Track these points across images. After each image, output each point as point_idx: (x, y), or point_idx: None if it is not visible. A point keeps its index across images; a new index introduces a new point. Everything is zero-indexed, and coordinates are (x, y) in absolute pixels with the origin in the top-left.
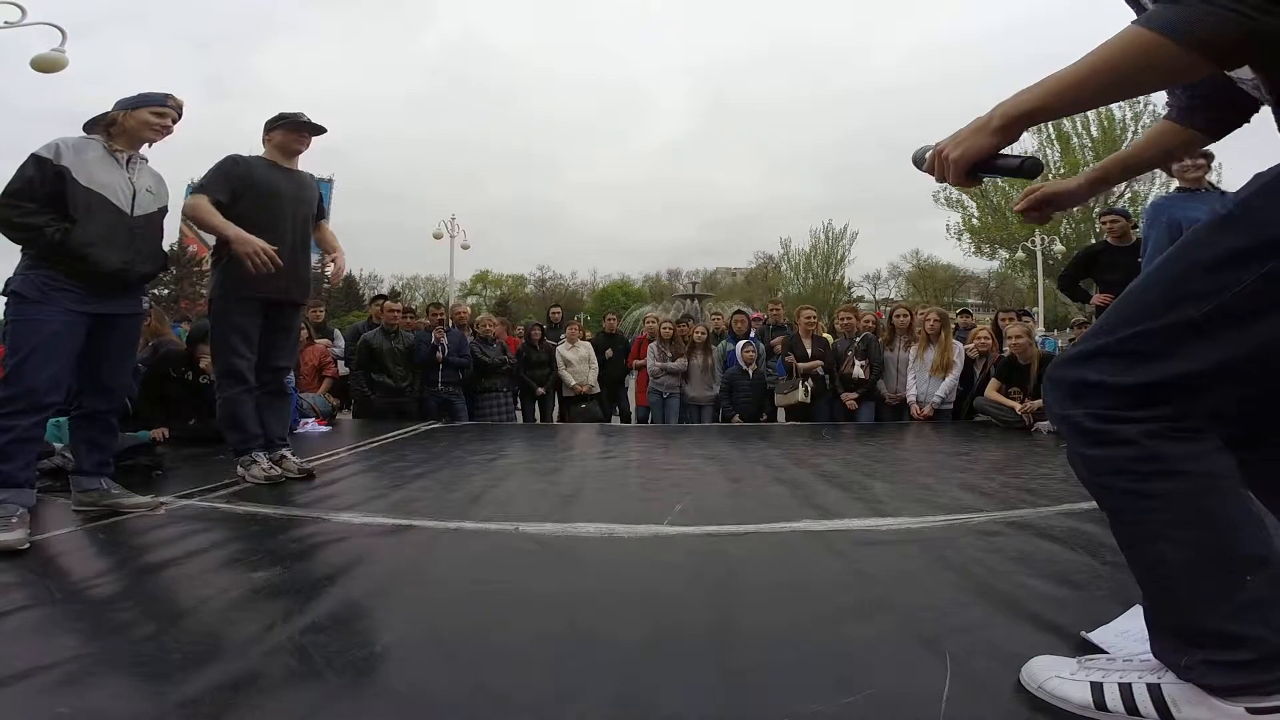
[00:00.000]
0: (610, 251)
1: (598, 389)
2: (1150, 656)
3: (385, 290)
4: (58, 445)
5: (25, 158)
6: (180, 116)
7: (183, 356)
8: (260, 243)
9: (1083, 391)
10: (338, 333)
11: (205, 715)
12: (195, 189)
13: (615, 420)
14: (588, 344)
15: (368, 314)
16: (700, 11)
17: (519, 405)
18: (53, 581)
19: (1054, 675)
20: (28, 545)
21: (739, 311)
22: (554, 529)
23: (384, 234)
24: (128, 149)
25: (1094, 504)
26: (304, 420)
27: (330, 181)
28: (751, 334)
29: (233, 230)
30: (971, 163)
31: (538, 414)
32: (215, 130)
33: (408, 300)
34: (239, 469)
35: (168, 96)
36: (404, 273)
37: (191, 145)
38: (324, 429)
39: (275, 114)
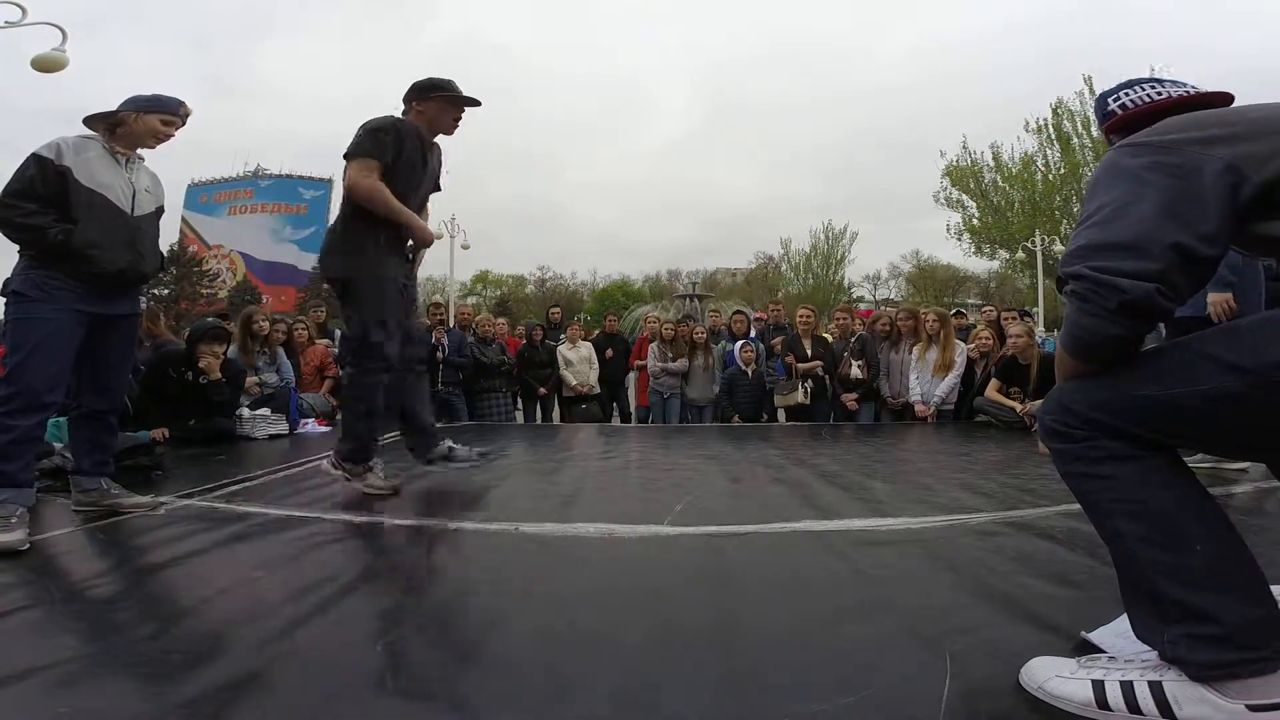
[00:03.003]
0: (610, 251)
1: (598, 389)
2: (1151, 655)
3: None
4: (58, 445)
5: (25, 157)
6: (185, 125)
7: (182, 356)
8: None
9: (1059, 406)
10: (338, 333)
11: (205, 715)
12: (359, 154)
13: (615, 420)
14: (588, 344)
15: None
16: (701, 11)
17: (519, 405)
18: (53, 581)
19: (1054, 675)
20: (27, 546)
21: (738, 312)
22: (554, 529)
23: None
24: (127, 150)
25: None
26: (304, 420)
27: (330, 181)
28: (751, 334)
29: (418, 223)
30: None
31: (538, 414)
32: (215, 130)
33: None
34: (342, 467)
35: (180, 104)
36: None
37: (191, 145)
38: (324, 429)
39: (427, 80)
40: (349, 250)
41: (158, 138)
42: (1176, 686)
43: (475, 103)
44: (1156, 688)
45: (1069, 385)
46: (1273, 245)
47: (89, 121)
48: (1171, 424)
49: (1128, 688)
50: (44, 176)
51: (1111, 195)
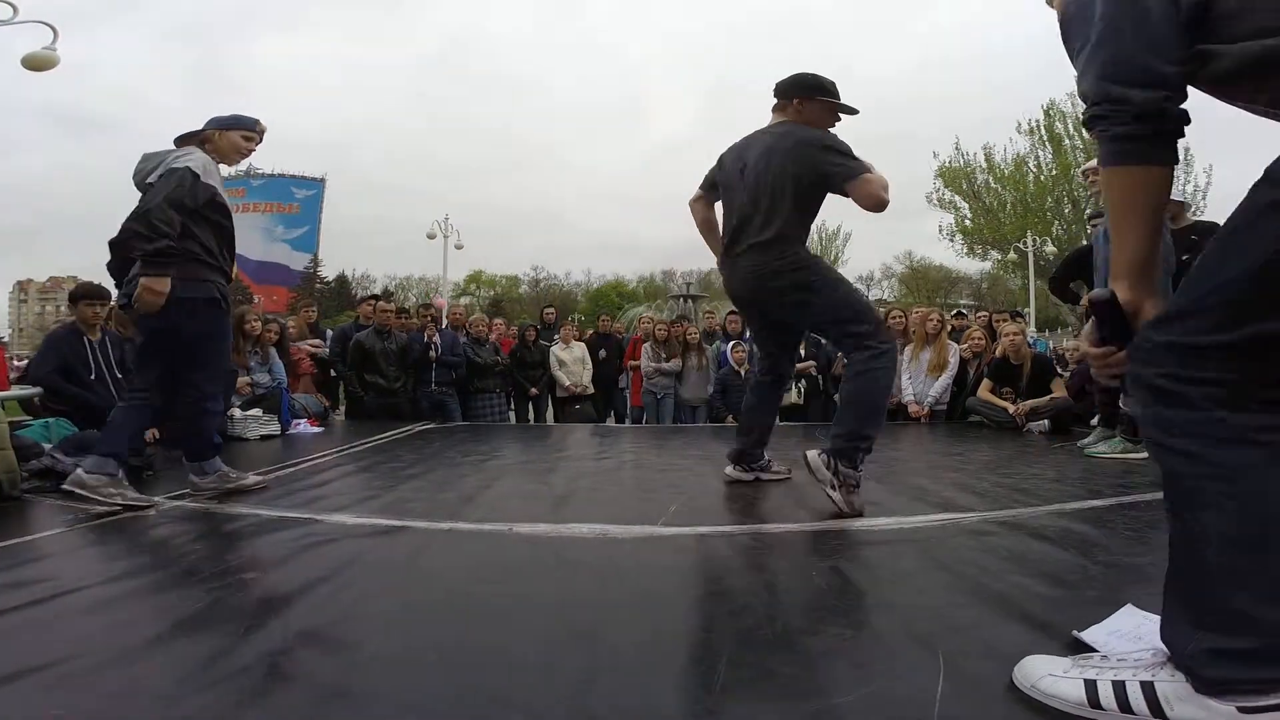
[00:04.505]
0: (605, 251)
1: (592, 390)
2: (1144, 654)
3: (378, 290)
4: (46, 446)
5: (177, 168)
6: (261, 141)
7: None
8: None
9: (1156, 352)
10: (330, 333)
11: (199, 716)
12: (867, 169)
13: (609, 421)
14: (582, 344)
15: (357, 314)
16: (699, 10)
17: (512, 406)
18: (44, 582)
19: (1047, 674)
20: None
21: (732, 312)
22: (548, 530)
23: (377, 234)
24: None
25: (1084, 504)
26: (295, 421)
27: (323, 181)
28: (746, 335)
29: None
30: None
31: (531, 414)
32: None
33: (400, 300)
34: (838, 470)
35: (256, 121)
36: (397, 273)
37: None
38: (316, 429)
39: (813, 77)
40: (800, 255)
41: (240, 153)
42: (1169, 686)
43: (853, 111)
44: (1148, 688)
45: (1149, 328)
46: (1231, 85)
47: (180, 141)
48: (1268, 295)
49: (1119, 687)
50: (194, 192)
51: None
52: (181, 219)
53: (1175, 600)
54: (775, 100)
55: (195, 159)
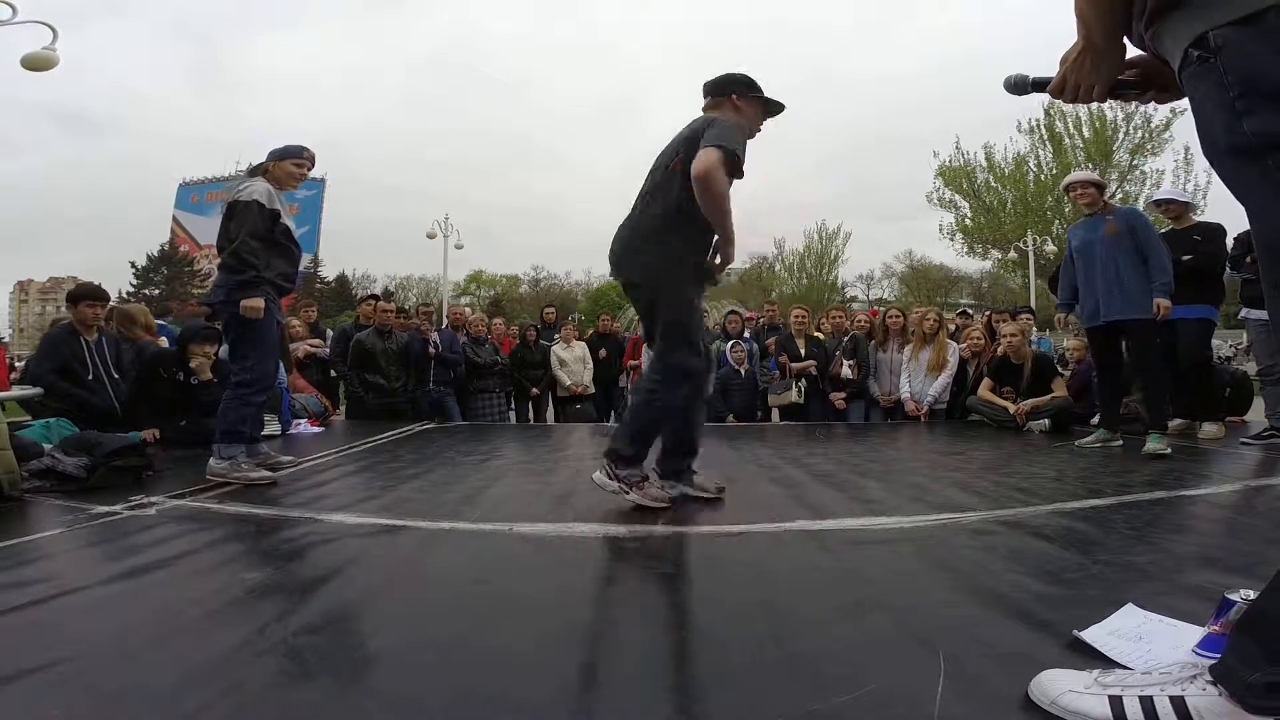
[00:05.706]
0: (605, 251)
1: (592, 389)
2: (1172, 668)
3: (378, 290)
4: (47, 446)
5: (248, 202)
6: (312, 166)
7: (173, 357)
8: None
9: None
10: (329, 332)
11: (197, 716)
12: (725, 146)
13: (610, 421)
14: (582, 344)
15: (357, 314)
16: (699, 7)
17: (512, 405)
18: (44, 582)
19: (1068, 689)
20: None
21: (732, 312)
22: (548, 529)
23: (377, 233)
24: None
25: (1085, 503)
26: (295, 421)
27: (322, 181)
28: (746, 334)
29: (733, 236)
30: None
31: (531, 414)
32: (205, 124)
33: (401, 300)
34: (618, 477)
35: (304, 149)
36: (397, 273)
37: (181, 143)
38: (316, 429)
39: (745, 76)
40: (658, 257)
41: (294, 178)
42: (1201, 701)
43: (782, 107)
44: (1179, 702)
45: None
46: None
47: (251, 172)
48: None
49: (1148, 703)
50: (263, 218)
51: None
52: (262, 245)
53: (1258, 630)
54: (709, 99)
55: (258, 188)
